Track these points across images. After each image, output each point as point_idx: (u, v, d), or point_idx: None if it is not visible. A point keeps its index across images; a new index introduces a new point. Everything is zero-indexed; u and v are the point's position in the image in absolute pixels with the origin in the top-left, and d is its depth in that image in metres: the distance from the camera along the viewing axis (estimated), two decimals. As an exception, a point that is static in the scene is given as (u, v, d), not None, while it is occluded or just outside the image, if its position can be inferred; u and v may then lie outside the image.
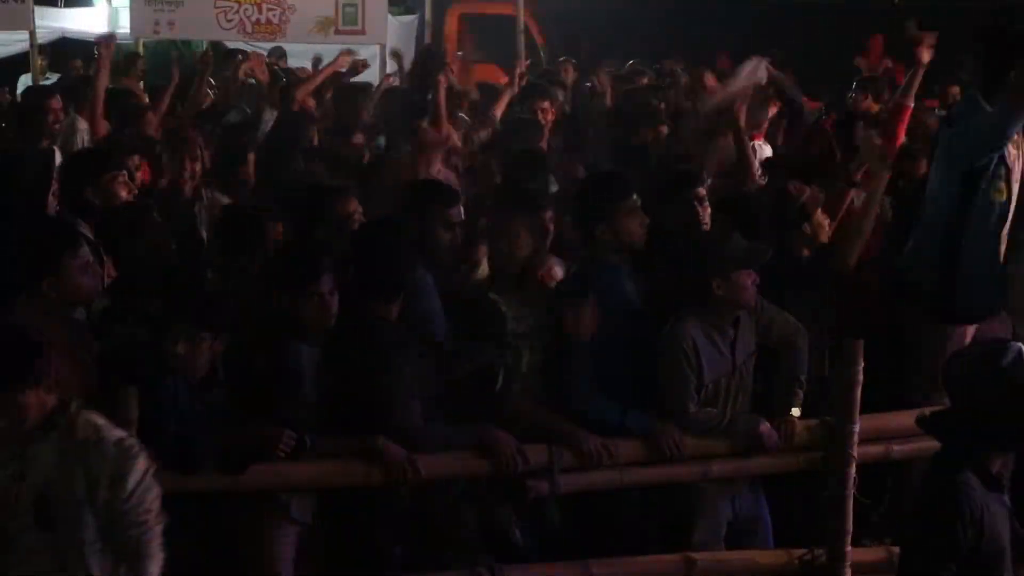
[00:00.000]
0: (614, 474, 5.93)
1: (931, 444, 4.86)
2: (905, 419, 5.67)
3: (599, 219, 6.28)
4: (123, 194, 6.80)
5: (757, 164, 8.52)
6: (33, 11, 14.46)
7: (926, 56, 7.77)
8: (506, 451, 5.69)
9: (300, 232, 6.55)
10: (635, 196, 6.34)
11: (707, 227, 6.75)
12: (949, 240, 6.29)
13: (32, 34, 14.61)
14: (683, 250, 6.38)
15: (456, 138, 9.15)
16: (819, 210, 6.91)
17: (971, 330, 6.45)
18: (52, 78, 15.49)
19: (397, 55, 14.03)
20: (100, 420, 4.41)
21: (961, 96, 6.51)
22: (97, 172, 6.82)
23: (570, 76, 14.52)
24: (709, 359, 6.03)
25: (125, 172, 6.99)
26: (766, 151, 9.38)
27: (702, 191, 6.83)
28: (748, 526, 6.22)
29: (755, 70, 8.49)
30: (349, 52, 11.93)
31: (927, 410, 4.76)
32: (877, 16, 20.12)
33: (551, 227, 6.60)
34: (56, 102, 9.40)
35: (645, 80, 13.05)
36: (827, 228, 6.91)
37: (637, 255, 6.37)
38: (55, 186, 7.09)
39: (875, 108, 13.21)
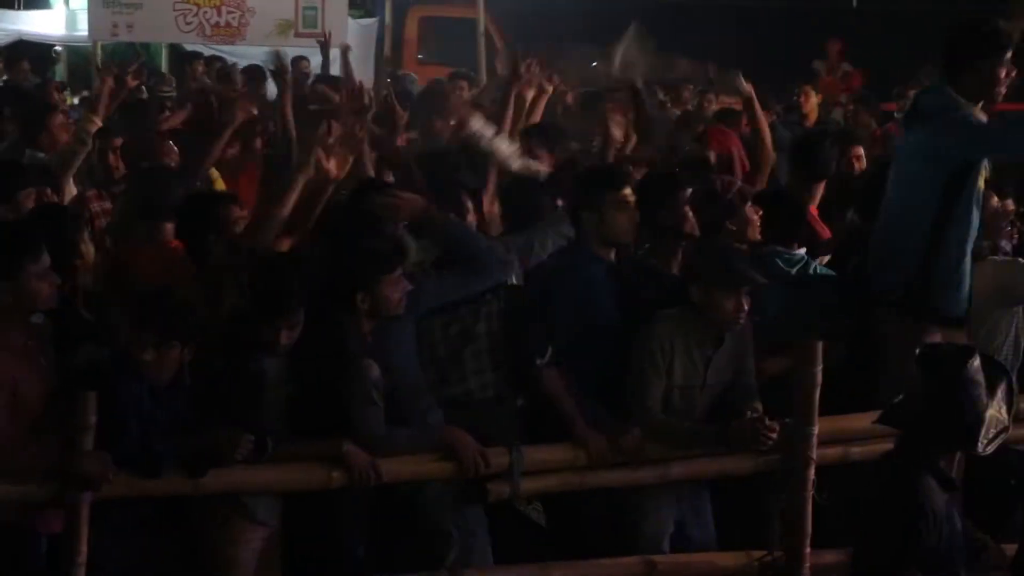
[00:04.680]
0: (574, 477, 5.95)
1: (889, 447, 4.91)
2: (864, 421, 5.70)
3: (586, 207, 6.29)
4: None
5: None
6: (-10, 13, 14.44)
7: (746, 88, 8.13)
8: (468, 454, 5.71)
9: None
10: (629, 190, 6.33)
11: (692, 229, 6.73)
12: (935, 233, 6.29)
13: (-11, 36, 14.57)
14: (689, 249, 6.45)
15: None
16: (748, 205, 6.87)
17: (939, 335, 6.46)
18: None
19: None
20: None
21: (925, 90, 6.53)
22: (12, 188, 6.70)
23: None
24: (682, 365, 6.03)
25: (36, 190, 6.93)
26: None
27: (688, 192, 6.83)
28: (692, 525, 6.23)
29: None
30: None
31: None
32: (835, 20, 20.24)
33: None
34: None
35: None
36: (757, 223, 6.87)
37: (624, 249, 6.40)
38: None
39: (816, 103, 13.32)
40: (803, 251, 6.70)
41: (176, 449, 5.30)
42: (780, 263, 6.59)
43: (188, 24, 15.28)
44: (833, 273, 6.72)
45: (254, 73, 12.53)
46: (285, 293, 5.54)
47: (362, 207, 6.38)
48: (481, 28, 16.89)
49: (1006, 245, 7.02)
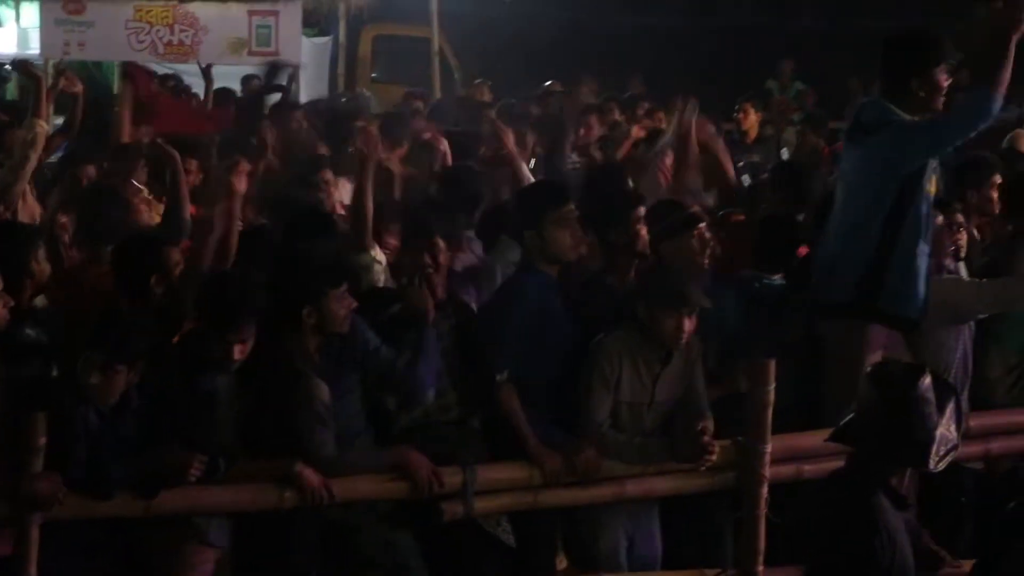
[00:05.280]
0: (528, 496, 5.96)
1: (842, 465, 4.93)
2: (816, 439, 5.72)
3: (527, 225, 6.29)
4: None
5: None
6: (-59, 32, 14.34)
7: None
8: (422, 474, 5.70)
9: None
10: (571, 207, 6.33)
11: (645, 247, 6.73)
12: (885, 239, 6.35)
13: (-59, 55, 14.45)
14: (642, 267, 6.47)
15: None
16: (701, 228, 6.87)
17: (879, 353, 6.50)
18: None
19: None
20: None
21: (864, 104, 6.62)
22: None
23: (485, 97, 14.63)
24: (630, 382, 6.04)
25: None
26: None
27: (642, 211, 6.85)
28: (641, 543, 6.24)
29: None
30: None
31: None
32: (788, 40, 20.39)
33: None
34: None
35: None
36: (707, 247, 6.87)
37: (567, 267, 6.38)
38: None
39: (755, 120, 13.42)
40: (779, 277, 6.75)
41: (127, 470, 5.27)
42: (758, 288, 6.64)
43: (140, 43, 15.22)
44: (788, 289, 6.76)
45: (222, 99, 12.50)
46: (235, 308, 5.53)
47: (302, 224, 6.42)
48: (435, 47, 16.91)
49: (950, 263, 7.07)
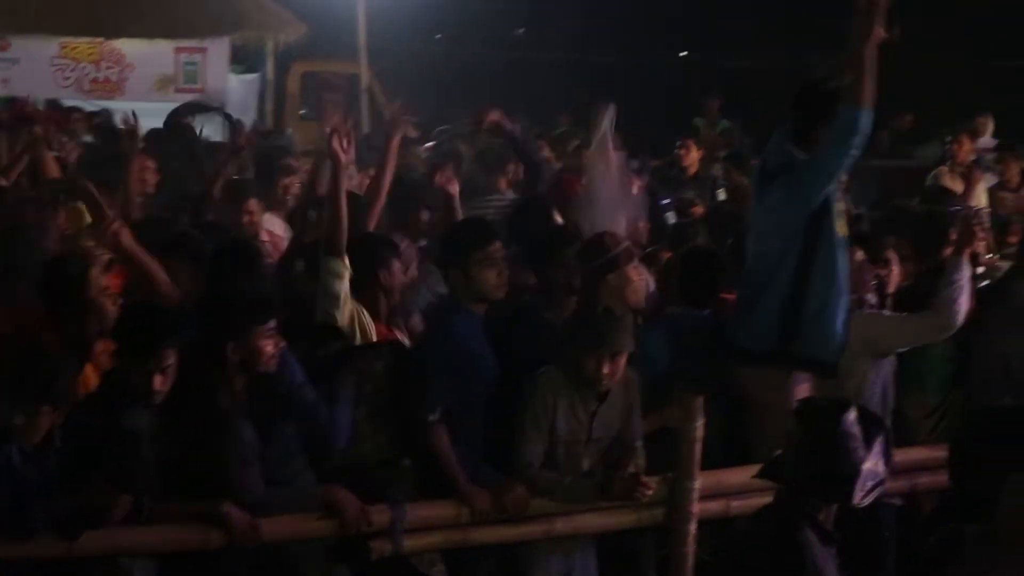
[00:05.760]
0: (457, 534, 5.94)
1: (769, 500, 4.95)
2: (744, 475, 5.75)
3: (452, 265, 6.31)
4: None
5: None
6: None
7: None
8: (350, 512, 5.67)
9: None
10: (497, 246, 6.35)
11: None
12: (799, 279, 6.41)
13: None
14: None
15: None
16: (632, 266, 6.87)
17: (806, 387, 6.54)
18: None
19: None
20: None
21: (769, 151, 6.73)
22: None
23: (411, 134, 14.60)
24: (566, 420, 6.05)
25: None
26: None
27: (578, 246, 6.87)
28: None
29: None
30: None
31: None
32: (715, 79, 20.57)
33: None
34: None
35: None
36: (637, 285, 6.88)
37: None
38: None
39: (696, 157, 13.52)
40: (707, 312, 6.79)
41: (50, 510, 5.19)
42: (685, 323, 6.67)
43: (66, 79, 15.16)
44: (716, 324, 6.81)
45: (153, 138, 12.39)
46: (152, 334, 5.46)
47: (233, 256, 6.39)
48: (364, 83, 16.92)
49: (871, 298, 7.14)
